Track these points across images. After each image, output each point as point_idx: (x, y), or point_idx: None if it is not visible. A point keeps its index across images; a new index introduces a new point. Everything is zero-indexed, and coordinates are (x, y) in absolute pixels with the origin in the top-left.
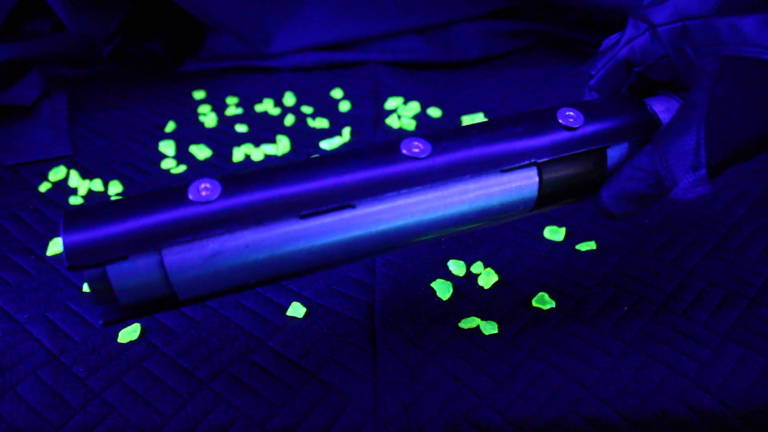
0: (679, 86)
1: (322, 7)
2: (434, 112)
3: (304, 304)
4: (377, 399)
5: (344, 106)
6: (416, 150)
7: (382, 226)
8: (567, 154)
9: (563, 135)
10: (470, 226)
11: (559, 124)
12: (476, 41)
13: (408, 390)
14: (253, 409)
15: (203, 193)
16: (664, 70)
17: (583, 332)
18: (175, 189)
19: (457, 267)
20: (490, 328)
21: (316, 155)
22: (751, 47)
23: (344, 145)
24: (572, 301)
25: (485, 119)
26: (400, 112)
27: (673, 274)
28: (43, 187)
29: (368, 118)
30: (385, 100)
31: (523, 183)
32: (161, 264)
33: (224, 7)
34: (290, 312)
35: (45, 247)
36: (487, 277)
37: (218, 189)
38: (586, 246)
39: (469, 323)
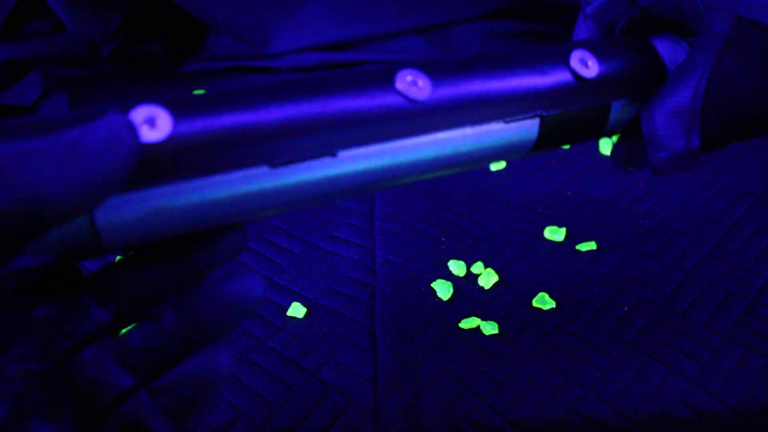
0: (685, 30)
1: (322, 7)
2: None
3: (304, 305)
4: (377, 399)
5: None
6: (414, 90)
7: (367, 175)
8: (574, 108)
9: (575, 85)
10: (459, 169)
11: (573, 71)
12: (476, 41)
13: (408, 390)
14: (253, 409)
15: (149, 132)
16: (671, 9)
17: (583, 332)
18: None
19: (457, 267)
20: (490, 328)
21: (290, 79)
22: None
23: None
24: (572, 302)
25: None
26: None
27: (673, 274)
28: None
29: None
30: None
31: (523, 131)
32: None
33: (224, 8)
34: (290, 312)
35: None
36: (488, 278)
37: (169, 122)
38: (587, 246)
39: (469, 323)
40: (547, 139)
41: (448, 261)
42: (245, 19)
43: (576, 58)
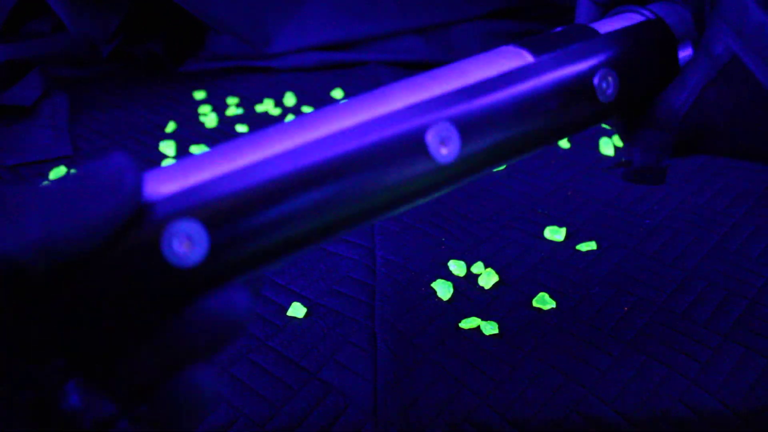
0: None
1: (322, 8)
2: None
3: (304, 305)
4: (377, 399)
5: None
6: (444, 152)
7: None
8: (594, 124)
9: (596, 109)
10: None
11: (596, 98)
12: (476, 41)
13: (408, 390)
14: (253, 409)
15: (183, 248)
16: None
17: (583, 332)
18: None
19: (457, 267)
20: (490, 328)
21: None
22: None
23: None
24: (572, 302)
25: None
26: None
27: (673, 274)
28: None
29: None
30: None
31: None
32: None
33: (224, 8)
34: (291, 312)
35: None
36: (488, 278)
37: (204, 239)
38: (587, 246)
39: (469, 323)
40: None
41: (448, 261)
42: (245, 19)
43: (599, 81)
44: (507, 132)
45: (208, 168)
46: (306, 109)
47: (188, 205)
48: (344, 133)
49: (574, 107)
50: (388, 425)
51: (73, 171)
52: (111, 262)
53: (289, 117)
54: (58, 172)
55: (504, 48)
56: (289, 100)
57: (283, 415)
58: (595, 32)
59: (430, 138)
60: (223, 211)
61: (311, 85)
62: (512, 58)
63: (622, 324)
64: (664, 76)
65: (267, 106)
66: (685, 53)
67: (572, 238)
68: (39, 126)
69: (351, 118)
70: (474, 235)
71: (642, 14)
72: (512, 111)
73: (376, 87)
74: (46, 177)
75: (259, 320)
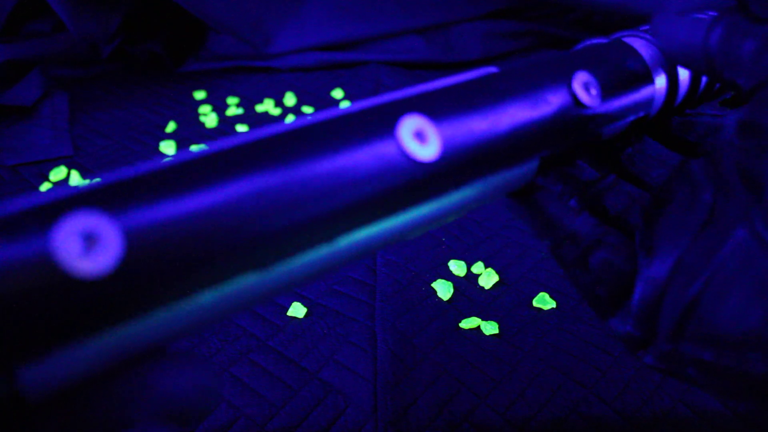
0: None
1: (322, 8)
2: None
3: (304, 304)
4: (377, 399)
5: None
6: (422, 152)
7: (363, 247)
8: (576, 140)
9: (576, 115)
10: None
11: (575, 98)
12: (476, 41)
13: (408, 390)
14: (253, 409)
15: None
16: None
17: (583, 332)
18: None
19: (457, 267)
20: (490, 328)
21: (257, 141)
22: None
23: None
24: (573, 302)
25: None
26: None
27: None
28: (44, 188)
29: None
30: None
31: (523, 171)
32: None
33: (224, 7)
34: (291, 312)
35: None
36: (488, 278)
37: (117, 244)
38: None
39: (469, 323)
40: (545, 168)
41: (448, 261)
42: (245, 19)
43: (579, 82)
44: (491, 131)
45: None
46: (306, 109)
47: (90, 195)
48: (301, 126)
49: (558, 114)
50: (388, 425)
51: (73, 171)
52: None
53: (290, 117)
54: (58, 172)
55: (472, 70)
56: (289, 100)
57: (283, 415)
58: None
59: (403, 130)
60: (143, 201)
61: (311, 85)
62: (480, 72)
63: None
64: (641, 85)
65: (267, 106)
66: (658, 76)
67: None
68: (39, 126)
69: (315, 117)
70: (474, 235)
71: (604, 39)
72: (491, 109)
73: (376, 87)
74: (46, 177)
75: (259, 320)
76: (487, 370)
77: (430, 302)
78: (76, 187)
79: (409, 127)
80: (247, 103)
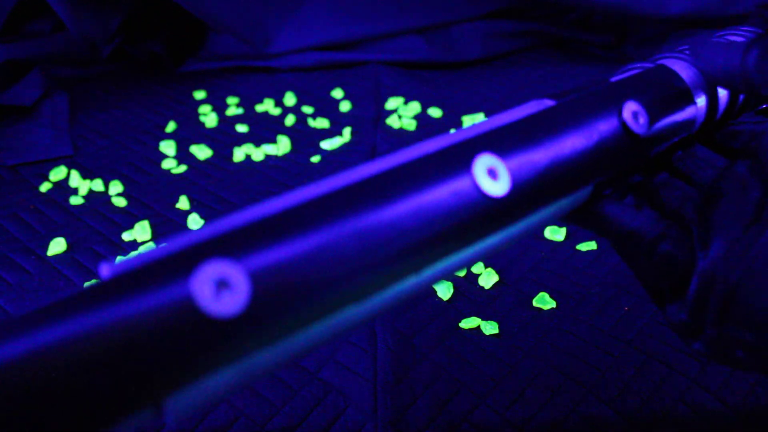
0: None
1: (322, 7)
2: (435, 113)
3: None
4: (377, 399)
5: (345, 107)
6: (494, 188)
7: (440, 276)
8: (628, 165)
9: (627, 143)
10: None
11: (625, 127)
12: (476, 41)
13: (408, 390)
14: (253, 409)
15: (222, 302)
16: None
17: (583, 332)
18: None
19: None
20: (490, 328)
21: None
22: None
23: (346, 145)
24: (573, 301)
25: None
26: (400, 112)
27: None
28: (44, 187)
29: (369, 119)
30: (385, 100)
31: (580, 197)
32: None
33: (224, 8)
34: None
35: (46, 247)
36: (488, 277)
37: (245, 288)
38: (587, 246)
39: (469, 323)
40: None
41: None
42: (245, 19)
43: (629, 111)
44: (553, 165)
45: (230, 219)
46: (306, 109)
47: (219, 244)
48: (386, 169)
49: (611, 143)
50: (387, 425)
51: (73, 171)
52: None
53: (290, 117)
54: (58, 172)
55: (528, 102)
56: (289, 100)
57: (283, 415)
58: (606, 79)
59: (477, 169)
60: (264, 248)
61: (311, 85)
62: (536, 106)
63: (622, 324)
64: (683, 106)
65: (267, 106)
66: (699, 97)
67: (572, 238)
68: (39, 126)
69: (396, 159)
70: None
71: (647, 63)
72: (552, 143)
73: (375, 87)
74: (46, 177)
75: None
76: (486, 369)
77: (430, 302)
78: (204, 233)
79: (482, 165)
80: (247, 103)
